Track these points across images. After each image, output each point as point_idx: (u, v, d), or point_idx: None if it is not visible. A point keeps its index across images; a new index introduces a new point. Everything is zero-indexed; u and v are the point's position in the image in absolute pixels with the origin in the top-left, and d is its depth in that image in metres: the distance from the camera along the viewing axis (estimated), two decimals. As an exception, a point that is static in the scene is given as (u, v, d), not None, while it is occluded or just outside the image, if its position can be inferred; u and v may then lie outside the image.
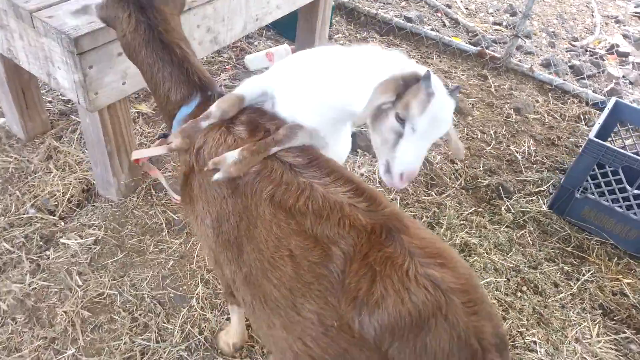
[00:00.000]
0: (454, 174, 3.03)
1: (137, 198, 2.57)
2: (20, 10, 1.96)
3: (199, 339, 2.04)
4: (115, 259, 2.29)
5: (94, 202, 2.55)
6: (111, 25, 1.59)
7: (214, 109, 1.46)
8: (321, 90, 1.39)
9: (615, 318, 2.40)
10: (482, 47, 4.10)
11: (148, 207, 2.54)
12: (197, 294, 2.20)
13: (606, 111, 2.86)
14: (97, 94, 2.02)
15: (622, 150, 2.54)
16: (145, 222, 2.47)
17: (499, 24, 4.70)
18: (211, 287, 2.23)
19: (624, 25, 5.17)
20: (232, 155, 1.38)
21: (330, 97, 1.36)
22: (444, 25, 4.50)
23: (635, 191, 2.56)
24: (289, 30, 3.77)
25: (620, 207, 2.65)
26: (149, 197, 2.59)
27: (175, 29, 1.57)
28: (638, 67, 4.39)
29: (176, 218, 2.50)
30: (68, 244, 2.32)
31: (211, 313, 2.13)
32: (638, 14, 5.45)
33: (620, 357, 2.25)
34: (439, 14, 4.67)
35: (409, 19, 4.34)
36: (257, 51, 3.67)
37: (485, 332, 1.14)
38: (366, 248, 1.21)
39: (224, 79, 3.48)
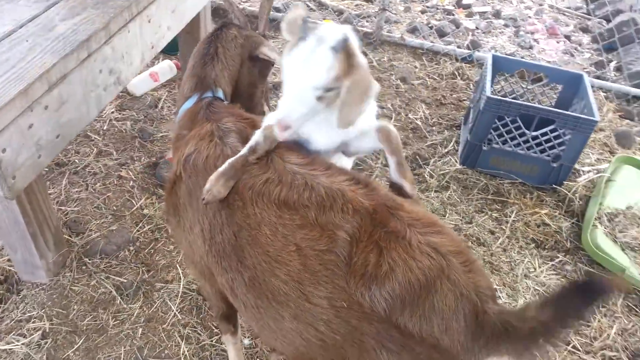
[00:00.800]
0: (373, 154, 3.17)
1: (71, 272, 2.29)
2: None
3: (203, 399, 1.94)
4: (75, 347, 2.04)
5: (19, 292, 2.23)
6: None
7: (260, 142, 1.40)
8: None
9: (546, 247, 2.74)
10: (353, 25, 4.24)
11: (87, 278, 2.28)
12: (182, 353, 2.06)
13: (489, 67, 3.16)
14: (14, 178, 1.73)
15: (517, 102, 2.86)
16: (91, 295, 2.22)
17: (356, -2, 4.88)
18: (194, 342, 2.11)
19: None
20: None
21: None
22: (312, 9, 4.56)
23: (533, 133, 2.91)
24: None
25: (522, 149, 2.99)
26: (84, 267, 2.32)
27: (228, 43, 1.74)
28: (483, 17, 4.88)
29: (125, 280, 2.28)
30: (12, 349, 2.01)
31: (206, 368, 2.03)
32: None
33: (561, 279, 2.60)
34: (301, -2, 4.71)
35: (277, 9, 4.31)
36: (139, 74, 3.40)
37: (481, 286, 1.25)
38: (370, 227, 1.27)
39: (112, 112, 3.18)
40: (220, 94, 1.71)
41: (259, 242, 1.36)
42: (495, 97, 2.86)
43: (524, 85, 3.40)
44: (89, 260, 2.34)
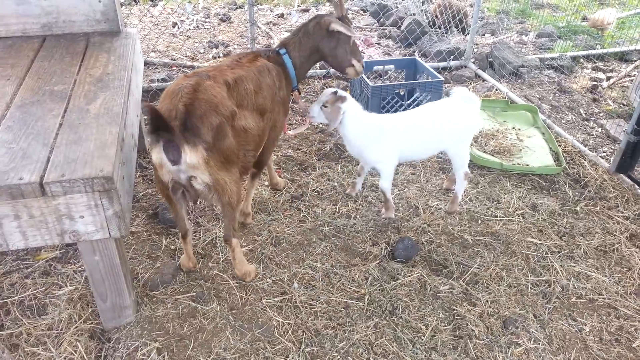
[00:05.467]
0: (315, 152, 4.05)
1: (146, 306, 2.69)
2: (20, 188, 2.00)
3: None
4: (190, 347, 2.49)
5: (110, 340, 2.54)
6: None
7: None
8: None
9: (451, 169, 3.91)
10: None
11: (163, 304, 2.71)
12: (273, 317, 2.66)
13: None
14: (126, 219, 2.23)
15: (392, 84, 4.02)
16: (175, 313, 2.67)
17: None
18: (275, 307, 2.71)
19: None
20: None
21: None
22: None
23: (407, 102, 4.10)
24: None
25: (404, 115, 4.17)
26: (154, 299, 2.74)
27: (307, 30, 3.09)
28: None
29: (194, 293, 2.77)
30: (144, 369, 2.40)
31: (308, 312, 2.66)
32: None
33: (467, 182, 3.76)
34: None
35: (164, 80, 4.96)
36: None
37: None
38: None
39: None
40: (282, 51, 3.07)
41: None
42: (377, 85, 4.00)
43: (381, 78, 4.62)
44: (155, 292, 2.78)
